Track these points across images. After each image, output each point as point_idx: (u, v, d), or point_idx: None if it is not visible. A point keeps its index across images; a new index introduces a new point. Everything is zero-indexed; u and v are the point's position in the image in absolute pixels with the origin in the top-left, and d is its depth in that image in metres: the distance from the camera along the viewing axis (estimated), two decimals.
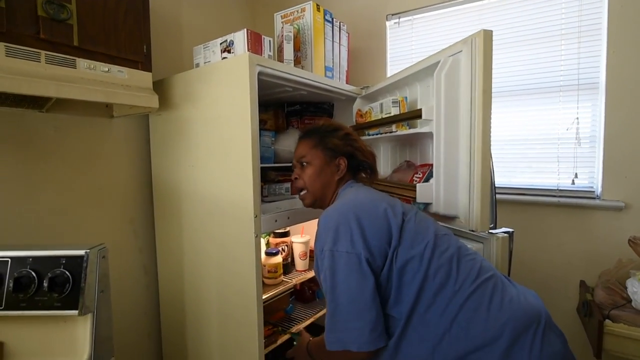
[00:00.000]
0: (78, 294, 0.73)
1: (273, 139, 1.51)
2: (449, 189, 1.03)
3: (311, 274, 1.69)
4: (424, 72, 1.17)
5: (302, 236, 1.70)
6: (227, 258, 1.21)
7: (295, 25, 1.42)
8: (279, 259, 1.56)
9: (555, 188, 1.43)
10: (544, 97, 1.44)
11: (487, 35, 0.95)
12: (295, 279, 1.60)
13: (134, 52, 1.17)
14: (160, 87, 1.32)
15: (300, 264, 1.68)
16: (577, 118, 1.36)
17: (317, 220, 1.74)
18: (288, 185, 1.46)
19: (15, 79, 0.86)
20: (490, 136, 0.95)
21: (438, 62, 1.05)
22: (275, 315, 1.60)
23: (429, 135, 1.07)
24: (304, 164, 1.02)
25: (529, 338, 0.69)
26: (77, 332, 0.75)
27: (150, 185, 1.49)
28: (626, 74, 1.28)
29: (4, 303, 0.72)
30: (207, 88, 1.21)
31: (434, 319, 0.73)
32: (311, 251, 1.80)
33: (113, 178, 1.41)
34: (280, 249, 1.60)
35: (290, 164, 1.53)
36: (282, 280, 1.58)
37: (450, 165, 1.03)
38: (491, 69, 0.94)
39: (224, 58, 1.23)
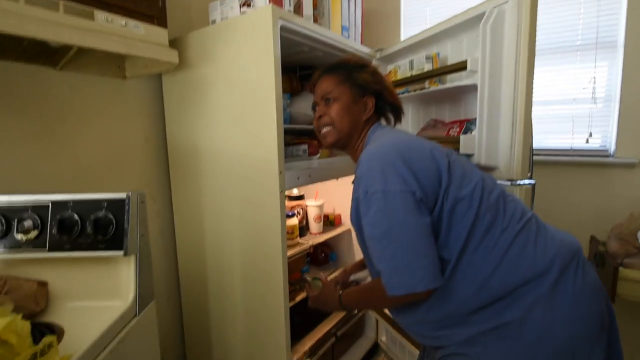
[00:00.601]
0: (122, 236, 0.73)
1: (288, 101, 1.50)
2: (490, 140, 1.05)
3: (325, 237, 1.73)
4: (461, 26, 1.16)
5: (317, 200, 1.72)
6: (250, 216, 1.22)
7: None
8: (295, 221, 1.58)
9: (569, 148, 1.46)
10: (562, 57, 1.45)
11: None
12: (310, 241, 1.63)
13: (149, 6, 1.13)
14: (173, 47, 1.29)
15: (315, 226, 1.71)
16: (594, 77, 1.37)
17: (335, 180, 1.77)
18: (305, 147, 1.46)
19: (41, 24, 0.83)
20: (533, 85, 0.96)
21: (483, 13, 1.04)
22: (292, 276, 1.63)
23: (465, 89, 1.08)
24: (330, 100, 0.94)
25: (572, 270, 0.73)
26: (121, 274, 0.77)
27: (165, 147, 1.48)
28: None
29: (47, 245, 0.73)
30: (226, 44, 1.19)
31: (483, 257, 0.74)
32: (325, 216, 1.83)
33: (128, 141, 1.39)
34: (295, 211, 1.62)
35: (306, 126, 1.53)
36: (298, 242, 1.61)
37: (492, 116, 1.03)
38: (536, 19, 0.95)
39: (243, 13, 1.20)
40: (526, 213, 0.80)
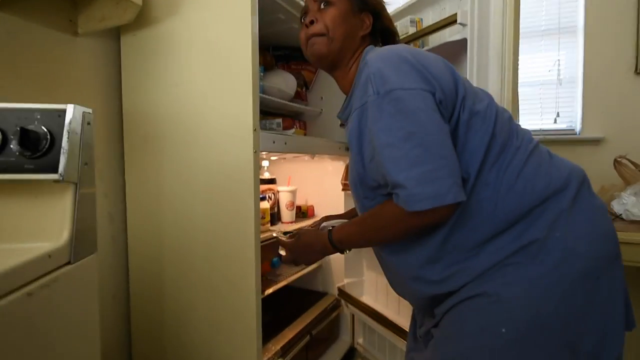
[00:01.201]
0: (58, 155, 0.57)
1: (262, 74, 1.42)
2: None
3: (298, 226, 1.60)
4: None
5: (289, 185, 1.61)
6: (218, 184, 1.08)
7: None
8: (266, 204, 1.45)
9: (539, 130, 1.50)
10: (527, 42, 1.51)
11: None
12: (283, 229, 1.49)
13: None
14: None
15: (287, 215, 1.58)
16: (559, 60, 1.44)
17: (311, 159, 1.64)
18: (280, 120, 1.37)
19: None
20: (519, 38, 0.96)
21: None
22: (262, 266, 1.47)
23: (451, 48, 1.06)
24: (326, 3, 0.81)
25: (586, 189, 0.72)
26: (54, 207, 0.60)
27: (119, 120, 1.31)
28: (603, 16, 1.38)
29: None
30: None
31: (497, 176, 0.68)
32: (298, 207, 1.71)
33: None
34: (267, 196, 1.49)
35: (279, 100, 1.45)
36: (269, 229, 1.47)
37: (481, 72, 1.02)
38: None
39: None
40: (533, 138, 0.76)
